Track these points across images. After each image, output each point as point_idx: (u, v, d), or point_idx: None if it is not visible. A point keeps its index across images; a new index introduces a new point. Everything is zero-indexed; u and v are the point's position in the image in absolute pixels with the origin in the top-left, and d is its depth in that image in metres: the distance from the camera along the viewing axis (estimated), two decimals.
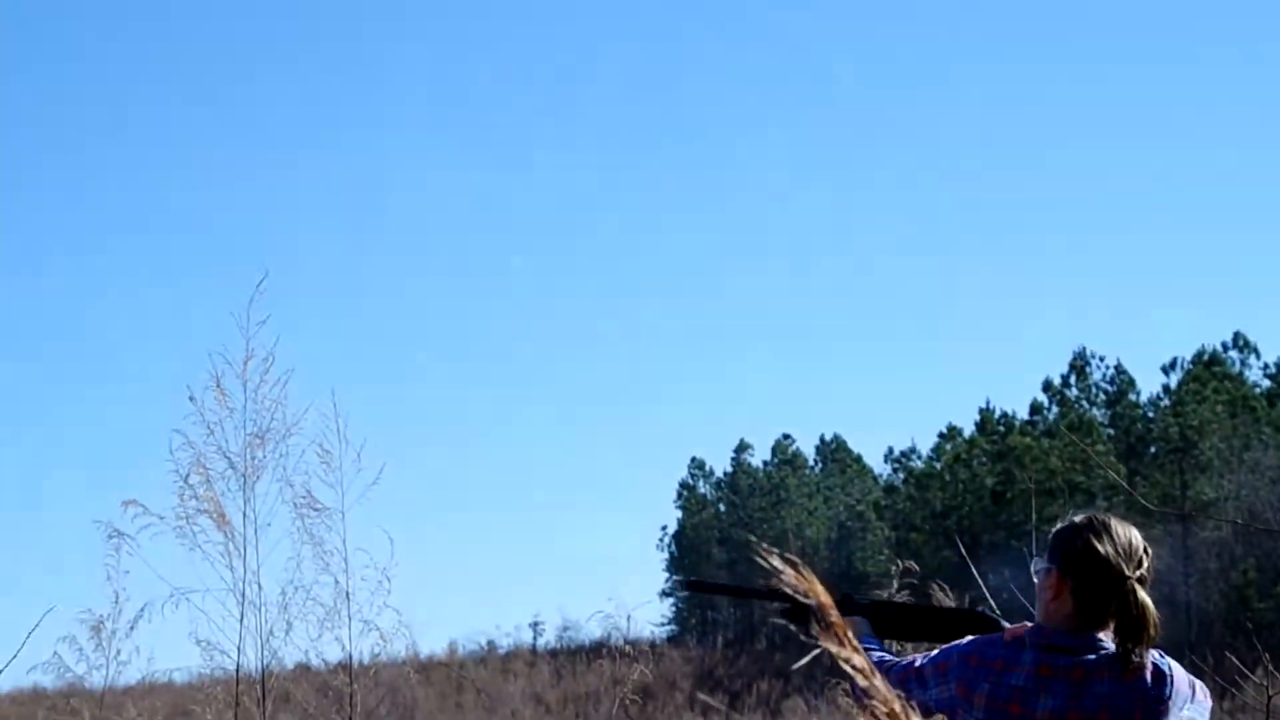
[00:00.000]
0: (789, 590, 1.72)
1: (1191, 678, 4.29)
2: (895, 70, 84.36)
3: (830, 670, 1.62)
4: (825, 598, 1.82)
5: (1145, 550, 4.33)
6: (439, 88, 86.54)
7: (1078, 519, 4.40)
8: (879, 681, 1.79)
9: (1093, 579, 4.27)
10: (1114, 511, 4.57)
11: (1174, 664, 4.27)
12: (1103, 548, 4.28)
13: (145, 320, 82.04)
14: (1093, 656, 4.27)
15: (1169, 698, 4.19)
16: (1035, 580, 4.46)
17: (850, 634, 1.81)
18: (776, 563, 1.79)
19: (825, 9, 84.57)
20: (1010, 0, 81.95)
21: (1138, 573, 4.26)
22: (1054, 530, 4.46)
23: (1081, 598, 4.30)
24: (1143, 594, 4.23)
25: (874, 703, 1.79)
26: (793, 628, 4.06)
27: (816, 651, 1.76)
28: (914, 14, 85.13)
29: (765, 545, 1.88)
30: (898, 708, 1.80)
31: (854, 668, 1.79)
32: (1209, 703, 4.30)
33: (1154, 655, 4.26)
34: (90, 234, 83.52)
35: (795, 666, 1.87)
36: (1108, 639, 4.28)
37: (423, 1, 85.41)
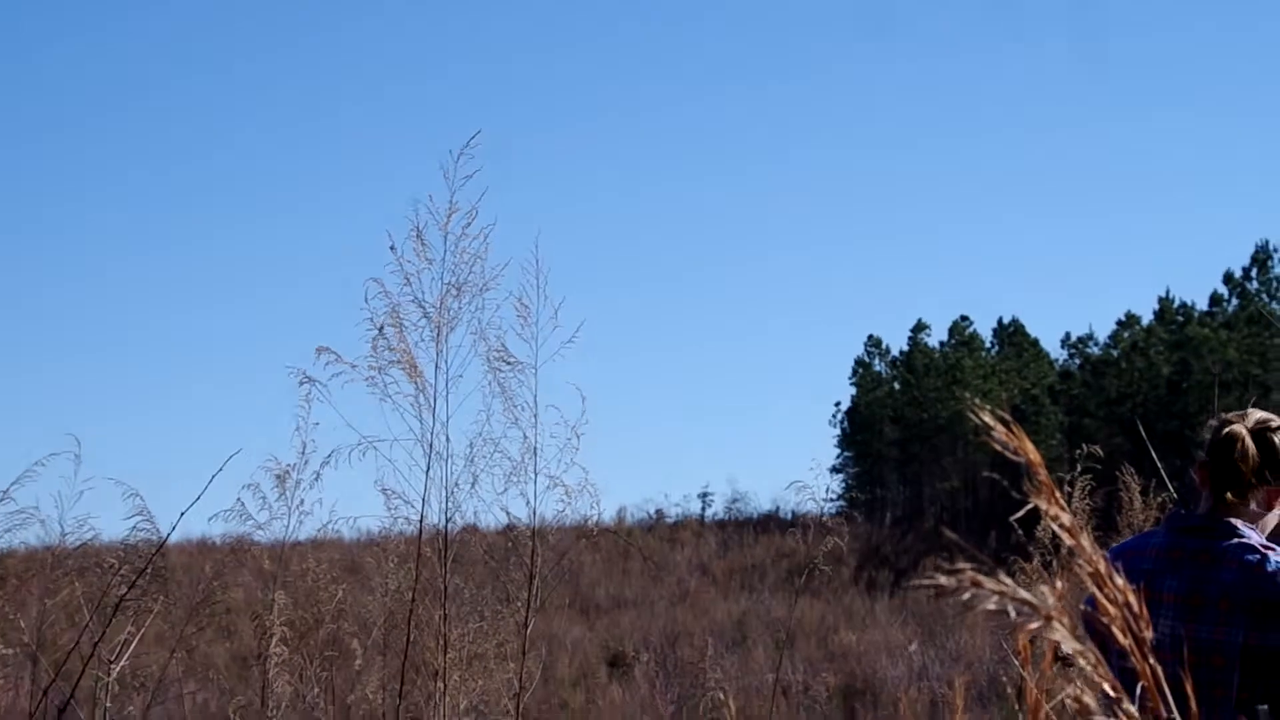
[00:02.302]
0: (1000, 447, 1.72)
1: None
2: None
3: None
4: (1035, 455, 1.81)
5: (1275, 427, 4.57)
6: None
7: (1228, 414, 4.63)
8: (1085, 541, 1.78)
9: (1223, 463, 4.50)
10: None
11: None
12: (1236, 431, 4.53)
13: (352, 164, 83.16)
14: (1225, 543, 4.43)
15: None
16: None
17: (1058, 494, 1.80)
18: (988, 419, 1.78)
19: None
20: None
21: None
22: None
23: (1216, 482, 4.52)
24: (1250, 459, 4.47)
25: (1079, 562, 1.79)
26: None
27: (1029, 507, 1.75)
28: None
29: (975, 401, 1.88)
30: (1103, 569, 1.79)
31: (1061, 526, 1.79)
32: None
33: None
34: (301, 81, 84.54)
35: (1013, 518, 1.85)
36: (1250, 531, 4.46)
37: None
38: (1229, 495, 4.54)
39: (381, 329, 7.07)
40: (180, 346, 79.21)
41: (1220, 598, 4.36)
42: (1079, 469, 8.06)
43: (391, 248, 7.19)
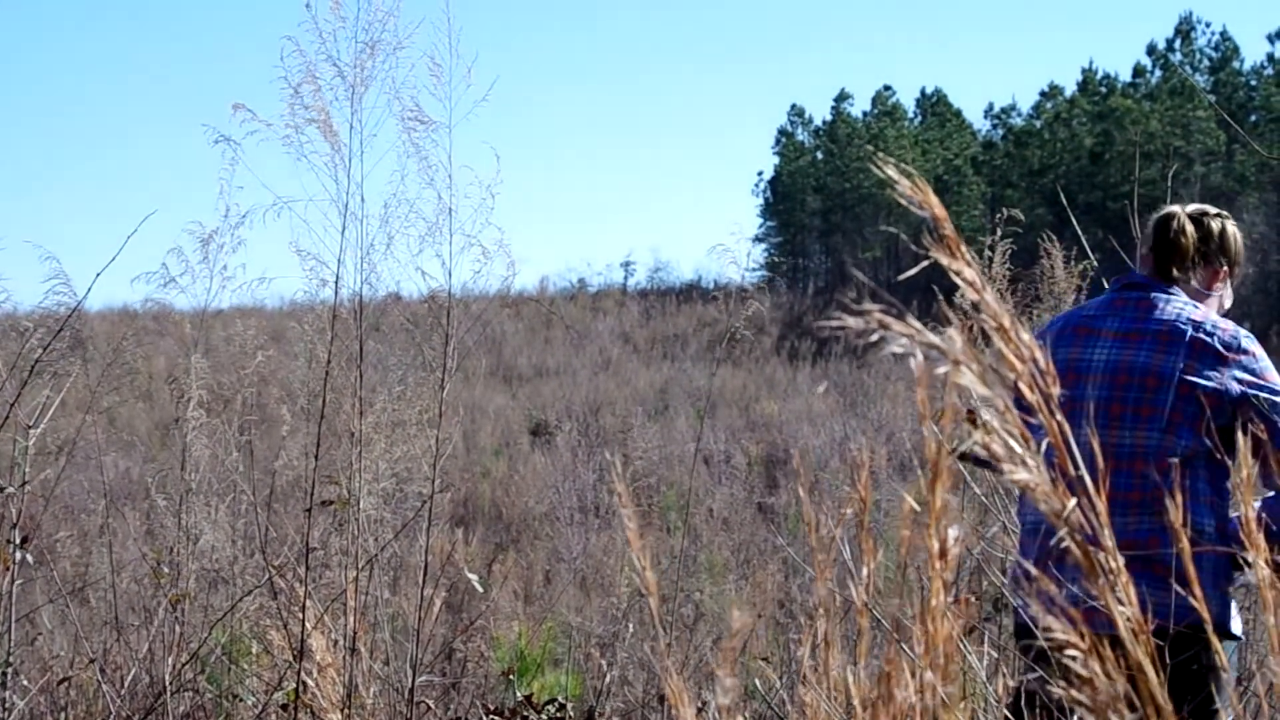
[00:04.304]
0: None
1: (1241, 334, 4.63)
2: None
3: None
4: (940, 209, 1.81)
5: (1212, 215, 4.91)
6: None
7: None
8: (989, 295, 1.79)
9: (1163, 240, 4.83)
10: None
11: (1228, 330, 4.61)
12: (1174, 210, 4.86)
13: None
14: (1165, 294, 4.74)
15: (1216, 359, 4.54)
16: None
17: (963, 248, 1.80)
18: (892, 172, 1.77)
19: None
20: None
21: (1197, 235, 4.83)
22: None
23: (1158, 259, 4.83)
24: (1187, 235, 4.81)
25: (983, 316, 1.79)
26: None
27: (927, 263, 1.75)
28: None
29: (881, 155, 1.86)
30: (1007, 323, 1.80)
31: (964, 280, 1.79)
32: (1259, 353, 4.60)
33: (1222, 325, 4.63)
34: None
35: (903, 277, 1.85)
36: (1186, 301, 4.73)
37: None
38: (1170, 270, 4.83)
39: (298, 88, 6.95)
40: (98, 112, 78.14)
41: (1160, 330, 4.63)
42: (999, 234, 8.07)
43: (307, 5, 7.06)
